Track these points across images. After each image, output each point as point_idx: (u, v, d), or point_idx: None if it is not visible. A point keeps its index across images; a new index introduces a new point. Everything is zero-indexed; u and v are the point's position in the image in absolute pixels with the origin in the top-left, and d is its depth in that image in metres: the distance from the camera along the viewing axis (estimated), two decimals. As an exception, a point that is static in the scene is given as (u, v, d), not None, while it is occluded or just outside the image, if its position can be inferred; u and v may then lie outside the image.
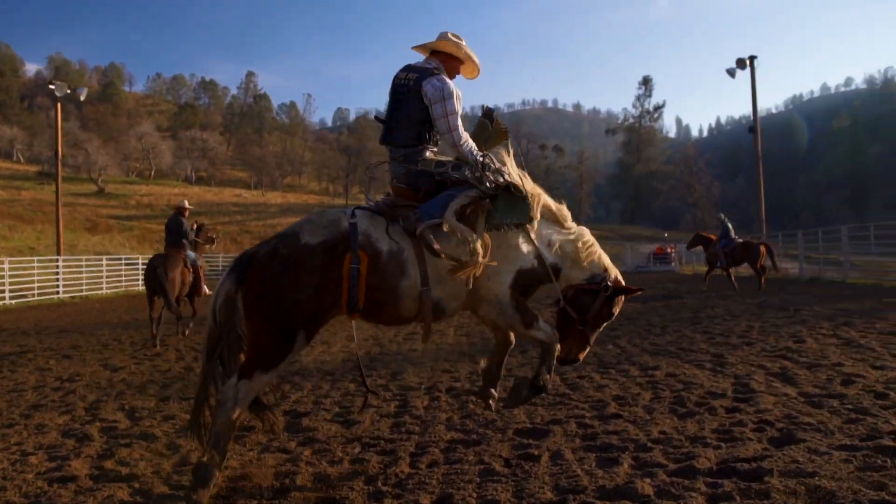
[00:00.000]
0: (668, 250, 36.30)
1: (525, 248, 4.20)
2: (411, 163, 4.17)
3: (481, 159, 4.14)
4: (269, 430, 4.47)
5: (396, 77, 4.30)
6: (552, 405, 5.86)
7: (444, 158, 4.24)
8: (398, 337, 10.92)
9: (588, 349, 4.53)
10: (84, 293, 26.73)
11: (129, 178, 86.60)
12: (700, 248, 20.87)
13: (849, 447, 4.22)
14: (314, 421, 5.67)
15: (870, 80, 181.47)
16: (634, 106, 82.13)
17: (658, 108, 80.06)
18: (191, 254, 12.23)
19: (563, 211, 4.51)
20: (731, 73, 26.79)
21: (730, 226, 19.43)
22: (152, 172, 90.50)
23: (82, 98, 30.09)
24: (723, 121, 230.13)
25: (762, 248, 18.58)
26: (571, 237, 4.40)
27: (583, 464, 4.22)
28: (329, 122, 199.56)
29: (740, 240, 19.33)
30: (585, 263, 4.40)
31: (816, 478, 3.69)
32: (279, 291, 3.75)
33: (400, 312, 4.04)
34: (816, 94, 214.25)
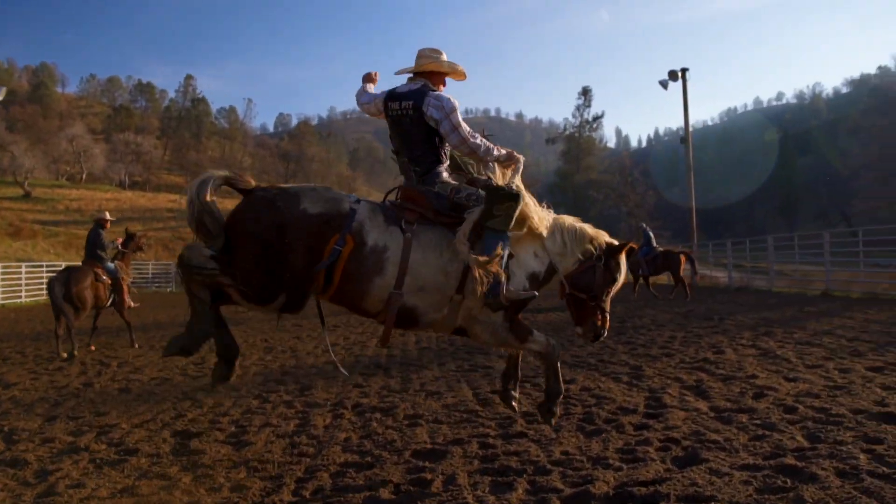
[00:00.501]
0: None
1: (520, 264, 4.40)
2: (429, 184, 4.32)
3: (496, 153, 4.37)
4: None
5: (390, 108, 4.40)
6: (458, 423, 5.61)
7: (454, 183, 4.40)
8: (317, 349, 10.56)
9: (609, 317, 4.75)
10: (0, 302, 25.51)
11: (59, 181, 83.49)
12: None
13: (751, 467, 4.07)
14: (205, 442, 5.30)
15: (799, 95, 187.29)
16: (574, 116, 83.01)
17: (597, 118, 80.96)
18: (110, 265, 11.70)
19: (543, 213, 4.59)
20: (664, 84, 27.22)
21: (651, 235, 19.60)
22: (83, 176, 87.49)
23: (0, 97, 28.81)
24: (661, 131, 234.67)
25: (682, 257, 18.80)
26: (557, 237, 4.56)
27: (475, 489, 3.96)
28: (270, 128, 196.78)
29: (661, 249, 19.49)
30: (574, 249, 4.56)
31: (713, 502, 3.52)
32: (265, 243, 3.92)
33: (365, 306, 4.16)
34: (750, 108, 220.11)
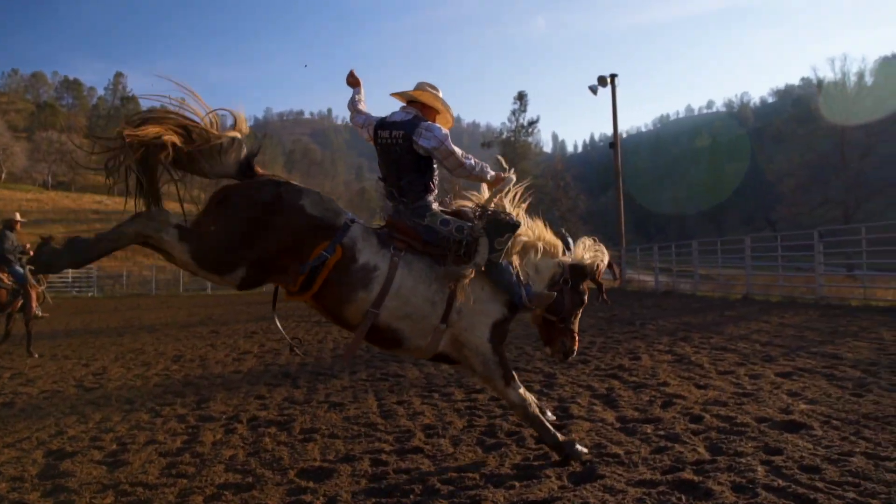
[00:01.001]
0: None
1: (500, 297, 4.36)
2: (419, 216, 4.29)
3: (489, 174, 4.47)
4: None
5: (379, 136, 4.42)
6: (354, 437, 5.33)
7: (444, 216, 4.36)
8: (228, 357, 10.12)
9: (578, 336, 4.81)
10: None
11: (-25, 181, 79.94)
12: None
13: (648, 483, 3.91)
14: (77, 463, 4.87)
15: (728, 104, 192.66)
16: (510, 120, 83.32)
17: (532, 122, 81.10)
18: (17, 270, 11.03)
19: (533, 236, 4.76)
20: (594, 90, 27.43)
21: (570, 240, 19.61)
22: (3, 176, 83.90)
23: None
24: (596, 137, 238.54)
25: None
26: (532, 262, 4.64)
27: (355, 513, 3.69)
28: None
29: None
30: (544, 274, 4.65)
31: (602, 525, 3.32)
32: (253, 213, 3.85)
33: (344, 315, 4.11)
34: (682, 115, 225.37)
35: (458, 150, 4.28)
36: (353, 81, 4.99)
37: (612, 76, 27.68)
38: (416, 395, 6.87)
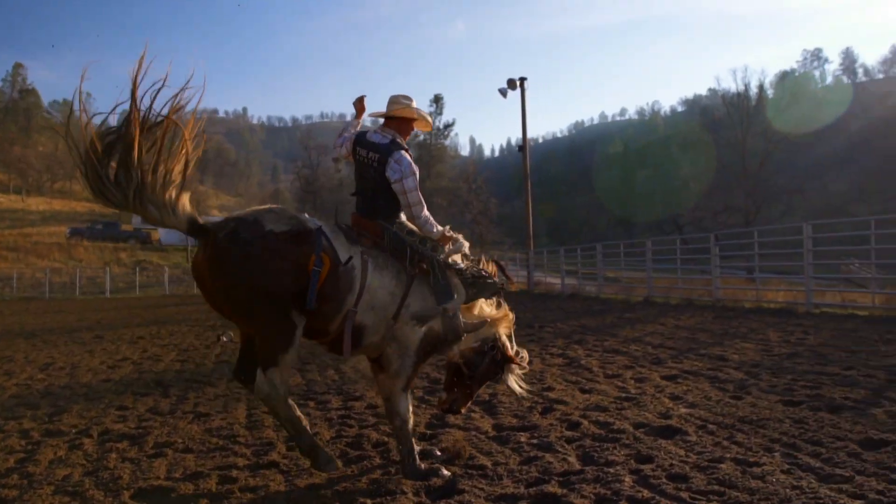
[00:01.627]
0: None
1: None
2: (389, 223, 4.38)
3: (435, 230, 4.49)
4: None
5: (358, 153, 4.46)
6: (209, 451, 4.91)
7: (412, 226, 4.49)
8: (102, 365, 9.47)
9: (469, 402, 4.84)
10: None
11: None
12: None
13: (508, 497, 3.68)
14: None
15: (640, 112, 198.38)
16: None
17: (448, 126, 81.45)
18: None
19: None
20: (503, 92, 27.45)
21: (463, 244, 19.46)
22: None
23: None
24: (513, 142, 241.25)
25: (493, 267, 18.89)
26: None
27: (181, 541, 3.30)
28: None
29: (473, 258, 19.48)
30: (480, 332, 4.68)
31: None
32: (249, 277, 3.73)
33: (331, 326, 4.05)
34: (596, 122, 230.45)
35: (416, 194, 4.32)
36: (359, 108, 4.90)
37: (522, 79, 27.79)
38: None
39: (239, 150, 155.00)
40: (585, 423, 5.20)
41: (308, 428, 4.08)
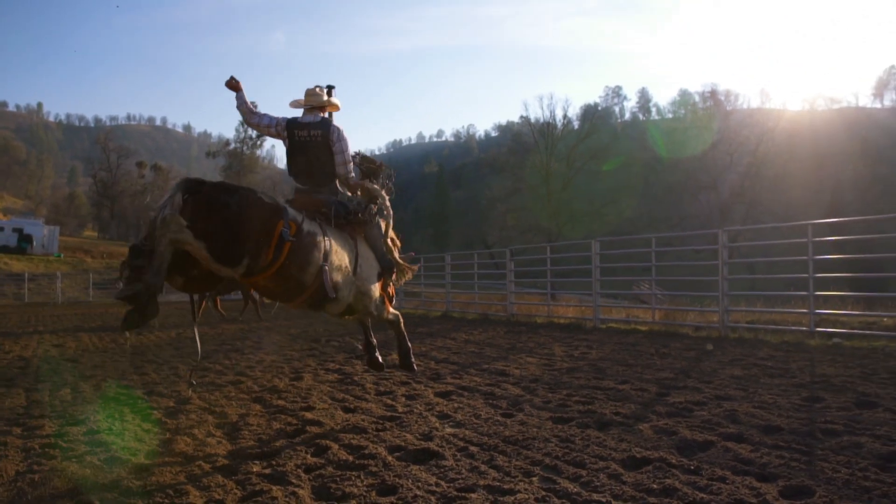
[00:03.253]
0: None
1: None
2: (333, 193, 5.49)
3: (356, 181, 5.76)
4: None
5: (297, 135, 5.41)
6: None
7: (348, 193, 5.69)
8: None
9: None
10: None
11: None
12: None
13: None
14: None
15: (456, 134, 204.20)
16: (238, 131, 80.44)
17: (261, 135, 79.38)
18: None
19: None
20: (312, 99, 26.62)
21: None
22: None
23: None
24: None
25: None
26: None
27: None
28: None
29: None
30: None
31: None
32: (234, 220, 4.47)
33: (304, 278, 4.87)
34: (414, 141, 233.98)
35: (349, 153, 5.55)
36: (234, 85, 5.60)
37: (330, 87, 26.85)
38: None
39: (31, 149, 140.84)
40: (335, 447, 4.53)
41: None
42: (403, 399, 6.29)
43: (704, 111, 79.84)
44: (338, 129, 5.44)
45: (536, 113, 79.14)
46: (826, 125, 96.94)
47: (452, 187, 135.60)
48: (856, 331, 9.62)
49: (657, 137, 78.72)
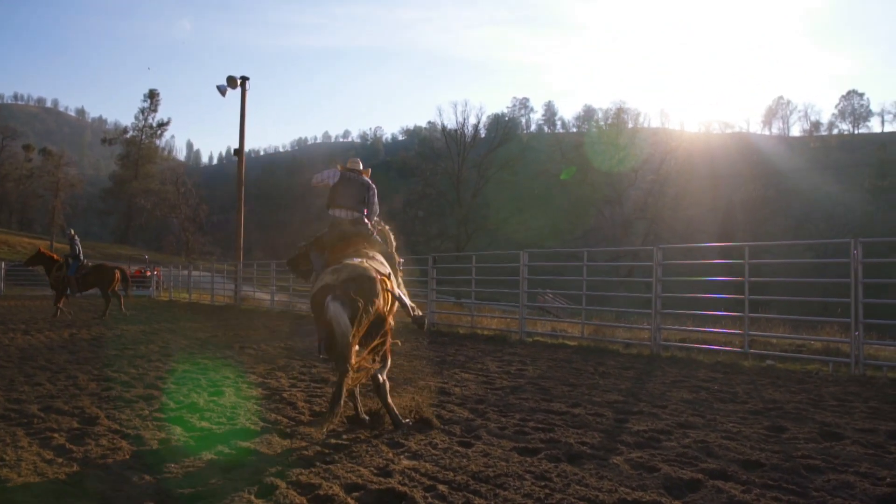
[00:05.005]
0: (148, 273, 33.00)
1: None
2: (360, 225, 6.47)
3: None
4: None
5: (348, 177, 6.59)
6: None
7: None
8: None
9: None
10: None
11: None
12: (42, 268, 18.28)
13: None
14: None
15: (363, 136, 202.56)
16: (137, 118, 76.73)
17: (162, 124, 75.69)
18: None
19: None
20: (222, 90, 25.15)
21: (79, 246, 17.21)
22: None
23: None
24: (233, 151, 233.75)
25: (116, 273, 17.30)
26: None
27: None
28: None
29: (91, 264, 17.54)
30: None
31: None
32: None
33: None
34: (319, 140, 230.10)
35: (376, 205, 6.77)
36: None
37: (244, 79, 25.76)
38: None
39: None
40: (282, 485, 3.88)
41: None
42: (344, 422, 5.66)
43: (611, 127, 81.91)
44: (370, 183, 6.76)
45: (450, 119, 79.36)
46: (721, 148, 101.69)
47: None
48: (787, 353, 9.63)
49: (590, 154, 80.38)
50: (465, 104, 76.45)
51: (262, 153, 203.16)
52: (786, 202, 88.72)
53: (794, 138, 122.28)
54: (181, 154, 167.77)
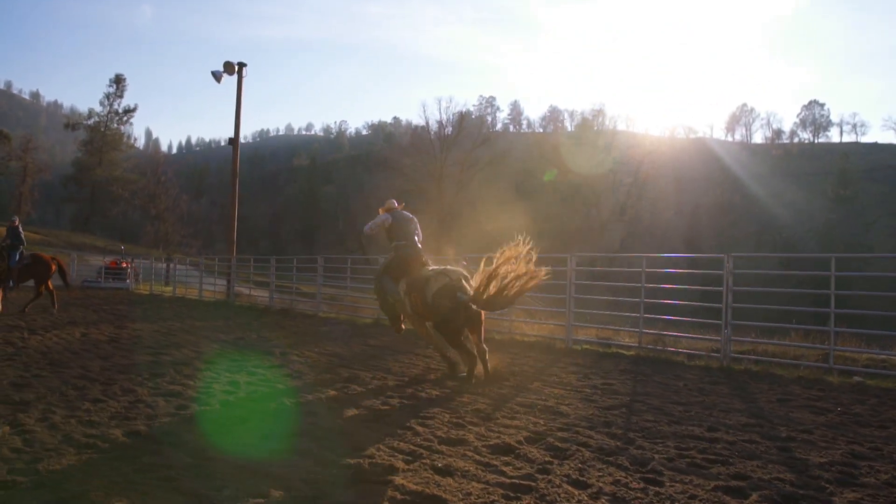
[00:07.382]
0: (124, 265, 31.50)
1: None
2: (419, 248, 8.95)
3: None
4: None
5: (402, 217, 8.99)
6: None
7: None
8: None
9: None
10: None
11: None
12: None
13: None
14: None
15: (327, 129, 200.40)
16: (102, 104, 74.14)
17: (128, 111, 73.33)
18: None
19: None
20: (217, 76, 24.00)
21: (23, 235, 15.97)
22: None
23: None
24: (193, 141, 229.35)
25: (53, 265, 16.38)
26: None
27: None
28: None
29: (29, 254, 16.32)
30: None
31: None
32: None
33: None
34: (282, 132, 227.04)
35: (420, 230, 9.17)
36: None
37: (241, 65, 24.51)
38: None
39: None
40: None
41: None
42: (523, 465, 4.97)
43: (588, 129, 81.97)
44: (414, 218, 9.13)
45: (433, 114, 78.37)
46: (685, 153, 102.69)
47: (322, 182, 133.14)
48: (871, 369, 9.19)
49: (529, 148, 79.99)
50: (450, 100, 75.90)
51: (222, 143, 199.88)
52: (749, 208, 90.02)
53: (757, 145, 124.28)
54: (140, 142, 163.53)
